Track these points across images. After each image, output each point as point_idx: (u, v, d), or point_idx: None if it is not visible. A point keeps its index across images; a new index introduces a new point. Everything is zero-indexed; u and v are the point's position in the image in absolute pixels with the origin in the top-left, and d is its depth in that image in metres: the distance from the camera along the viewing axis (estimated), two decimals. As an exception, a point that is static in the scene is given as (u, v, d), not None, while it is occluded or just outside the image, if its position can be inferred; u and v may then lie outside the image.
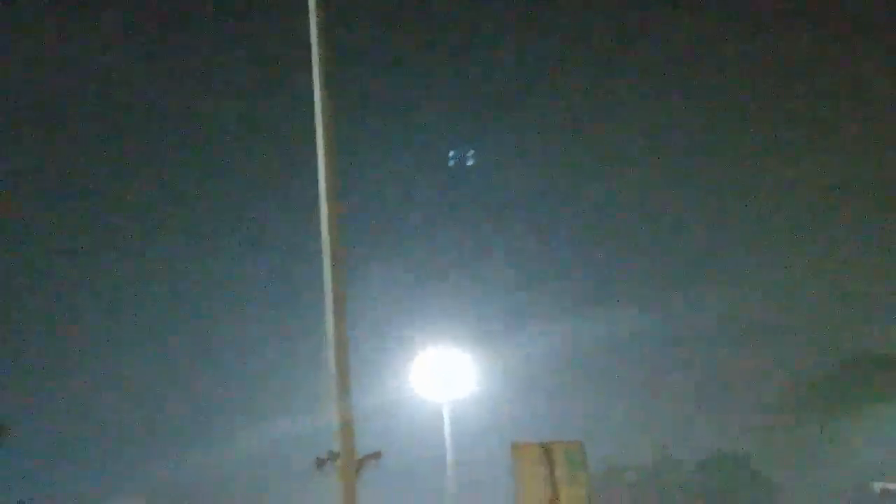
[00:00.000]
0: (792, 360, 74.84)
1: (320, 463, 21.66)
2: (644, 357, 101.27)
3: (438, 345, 56.80)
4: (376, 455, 21.98)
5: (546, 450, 21.07)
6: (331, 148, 18.23)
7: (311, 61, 22.00)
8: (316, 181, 20.34)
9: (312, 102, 19.49)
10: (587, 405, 79.70)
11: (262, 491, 62.62)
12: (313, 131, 19.21)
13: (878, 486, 51.75)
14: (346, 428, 21.76)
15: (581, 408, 79.53)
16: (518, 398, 75.82)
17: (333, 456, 21.61)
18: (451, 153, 79.11)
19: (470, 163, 79.09)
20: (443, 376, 55.50)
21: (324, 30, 19.08)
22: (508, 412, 61.83)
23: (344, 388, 22.48)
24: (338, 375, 22.37)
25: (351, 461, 21.32)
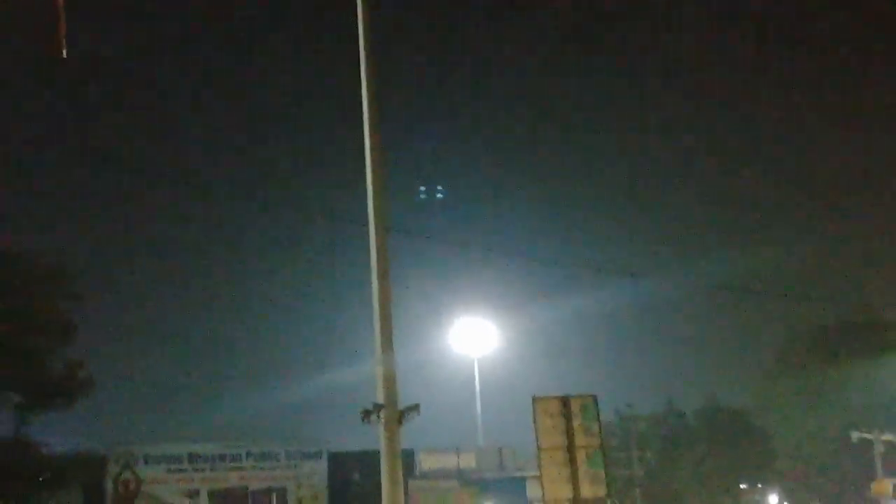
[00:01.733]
0: (793, 317, 75.05)
1: (366, 415, 22.12)
2: (651, 321, 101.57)
3: (472, 310, 58.02)
4: (415, 407, 22.33)
5: (563, 403, 21.44)
6: (376, 120, 17.52)
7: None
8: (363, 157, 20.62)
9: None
10: (601, 365, 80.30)
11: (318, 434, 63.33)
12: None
13: (855, 435, 52.15)
14: (389, 383, 22.17)
15: (595, 366, 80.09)
16: (539, 356, 76.39)
17: (377, 408, 22.07)
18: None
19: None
20: (474, 337, 56.47)
21: (372, 56, 17.72)
22: (531, 368, 62.40)
23: (387, 345, 22.90)
24: (381, 331, 22.82)
25: (393, 413, 21.75)
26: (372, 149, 19.90)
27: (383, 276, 22.90)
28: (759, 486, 68.50)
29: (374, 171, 16.38)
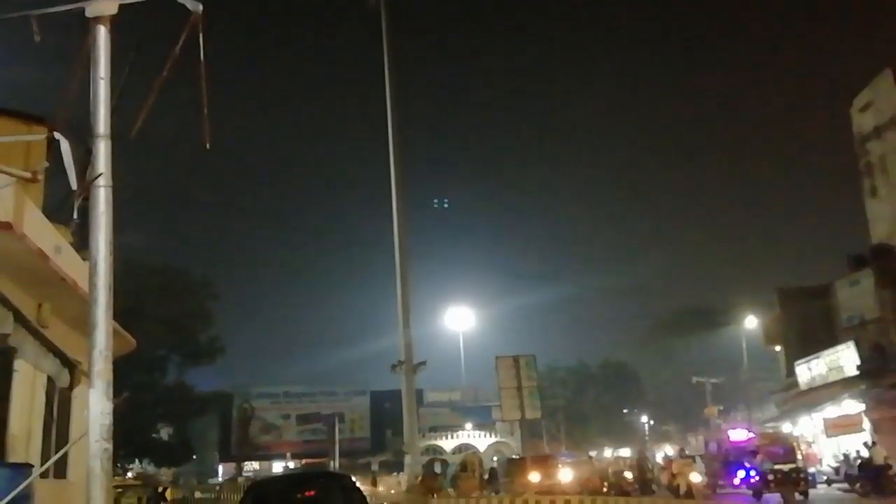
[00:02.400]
0: (654, 305, 75.82)
1: (393, 367, 22.46)
2: (572, 310, 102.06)
3: (459, 300, 58.92)
4: (424, 363, 22.66)
5: (514, 359, 21.75)
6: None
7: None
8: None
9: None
10: (539, 336, 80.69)
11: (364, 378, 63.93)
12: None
13: (693, 379, 52.40)
14: (408, 347, 22.54)
15: (536, 337, 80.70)
16: (501, 331, 76.86)
17: (400, 363, 22.38)
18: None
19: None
20: (461, 318, 56.93)
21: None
22: (495, 338, 62.71)
23: (406, 323, 23.24)
24: (403, 315, 23.14)
25: (410, 366, 22.05)
26: (397, 186, 19.78)
27: (405, 279, 23.28)
28: (636, 411, 68.64)
29: (398, 208, 16.03)
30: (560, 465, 26.59)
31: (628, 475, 26.11)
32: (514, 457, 35.95)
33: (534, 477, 24.22)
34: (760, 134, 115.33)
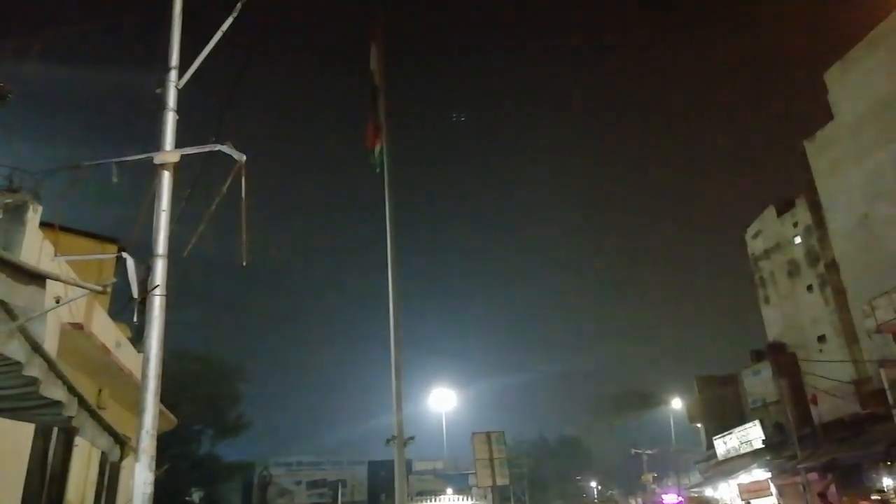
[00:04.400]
0: (600, 388, 74.69)
1: (387, 441, 21.71)
2: (530, 391, 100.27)
3: (444, 380, 57.54)
4: (412, 438, 21.86)
5: (487, 435, 21.19)
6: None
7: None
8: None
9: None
10: (508, 414, 78.97)
11: (363, 450, 61.65)
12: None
13: (632, 450, 51.10)
14: (399, 425, 21.85)
15: (508, 416, 79.00)
16: (477, 410, 75.21)
17: (392, 437, 21.66)
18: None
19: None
20: (442, 398, 55.40)
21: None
22: (472, 416, 61.31)
23: (399, 405, 22.69)
24: (396, 399, 22.61)
25: (401, 441, 21.20)
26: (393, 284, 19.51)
27: (398, 370, 22.87)
28: (587, 477, 66.66)
29: (394, 313, 14.66)
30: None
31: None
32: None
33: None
34: (680, 250, 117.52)
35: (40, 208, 7.47)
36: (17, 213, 7.17)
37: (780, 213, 32.52)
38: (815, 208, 29.55)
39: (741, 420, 31.25)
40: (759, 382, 30.53)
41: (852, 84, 26.74)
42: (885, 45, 25.49)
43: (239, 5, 5.97)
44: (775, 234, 32.83)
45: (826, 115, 28.34)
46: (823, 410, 26.10)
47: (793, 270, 31.54)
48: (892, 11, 25.27)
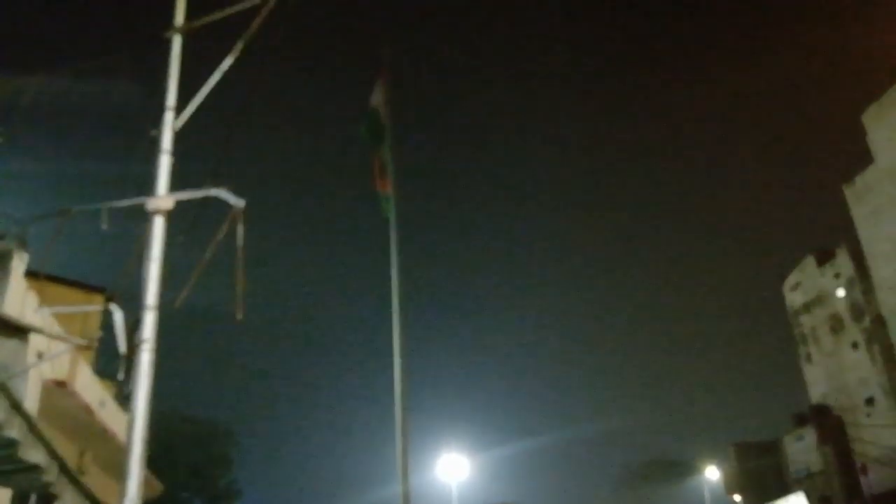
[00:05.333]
0: (625, 455, 73.01)
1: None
2: (545, 464, 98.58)
3: (454, 447, 56.38)
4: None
5: (502, 506, 20.66)
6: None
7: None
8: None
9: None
10: (525, 485, 77.39)
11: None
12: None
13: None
14: (406, 497, 21.43)
15: (524, 486, 77.28)
16: (494, 479, 73.83)
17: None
18: None
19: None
20: (454, 468, 54.27)
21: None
22: (487, 487, 59.92)
23: (405, 474, 22.26)
24: (402, 468, 22.21)
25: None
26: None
27: (405, 434, 22.53)
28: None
29: (401, 376, 14.66)
30: None
31: None
32: None
33: None
34: (710, 304, 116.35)
35: (26, 256, 7.55)
36: (1, 262, 7.25)
37: (820, 264, 32.33)
38: (858, 258, 29.36)
39: (784, 491, 30.35)
40: (803, 449, 29.80)
41: (892, 125, 26.90)
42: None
43: (240, 44, 6.13)
44: (816, 287, 32.55)
45: (867, 158, 28.43)
46: (874, 480, 25.35)
47: (836, 326, 31.15)
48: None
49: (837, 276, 31.14)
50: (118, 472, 5.03)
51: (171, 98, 5.88)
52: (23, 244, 7.49)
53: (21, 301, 7.48)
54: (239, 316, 5.49)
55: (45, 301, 8.03)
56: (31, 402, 7.43)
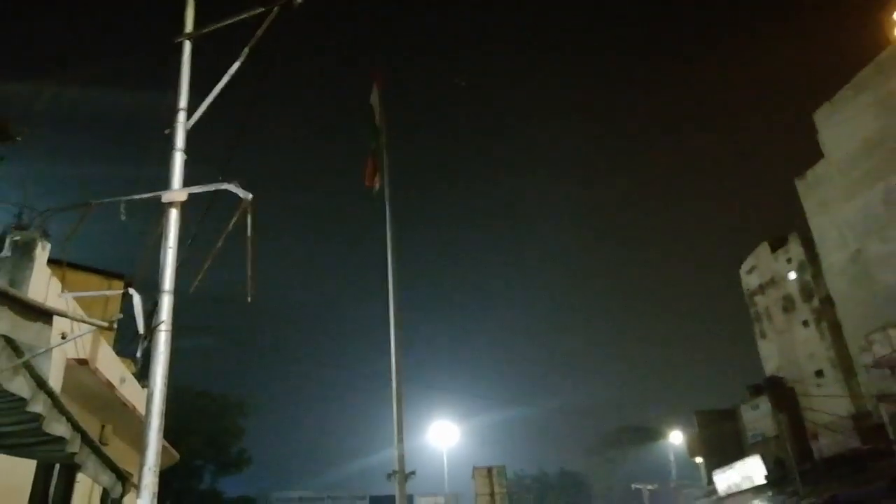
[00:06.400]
0: (599, 422, 73.58)
1: (389, 476, 21.32)
2: (532, 423, 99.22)
3: (445, 414, 56.65)
4: (413, 472, 21.54)
5: (488, 470, 20.80)
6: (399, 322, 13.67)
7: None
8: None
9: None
10: (507, 448, 77.75)
11: (365, 485, 60.52)
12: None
13: (633, 486, 50.24)
14: (401, 459, 21.52)
15: (509, 450, 77.73)
16: (478, 444, 74.18)
17: (394, 472, 21.28)
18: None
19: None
20: (444, 432, 54.36)
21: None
22: (473, 451, 60.22)
23: (400, 439, 22.31)
24: (397, 432, 22.25)
25: (402, 476, 20.90)
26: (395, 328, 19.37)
27: (399, 402, 22.57)
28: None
29: (395, 350, 14.63)
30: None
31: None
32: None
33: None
34: (678, 285, 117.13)
35: (48, 246, 7.47)
36: (25, 251, 7.17)
37: (773, 249, 32.55)
38: (808, 244, 29.59)
39: (742, 454, 30.71)
40: (759, 417, 30.13)
41: (841, 124, 27.04)
42: (870, 87, 25.86)
43: (246, 50, 6.06)
44: (770, 270, 32.81)
45: (817, 153, 28.57)
46: (824, 445, 25.69)
47: (788, 306, 31.42)
48: (874, 57, 25.76)
49: (789, 260, 31.38)
50: (138, 442, 5.02)
51: (183, 100, 5.82)
52: (45, 234, 7.41)
53: (45, 286, 7.41)
54: (249, 298, 5.52)
55: (67, 287, 7.97)
56: (55, 379, 7.39)
